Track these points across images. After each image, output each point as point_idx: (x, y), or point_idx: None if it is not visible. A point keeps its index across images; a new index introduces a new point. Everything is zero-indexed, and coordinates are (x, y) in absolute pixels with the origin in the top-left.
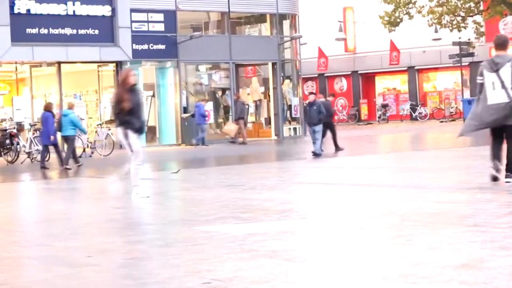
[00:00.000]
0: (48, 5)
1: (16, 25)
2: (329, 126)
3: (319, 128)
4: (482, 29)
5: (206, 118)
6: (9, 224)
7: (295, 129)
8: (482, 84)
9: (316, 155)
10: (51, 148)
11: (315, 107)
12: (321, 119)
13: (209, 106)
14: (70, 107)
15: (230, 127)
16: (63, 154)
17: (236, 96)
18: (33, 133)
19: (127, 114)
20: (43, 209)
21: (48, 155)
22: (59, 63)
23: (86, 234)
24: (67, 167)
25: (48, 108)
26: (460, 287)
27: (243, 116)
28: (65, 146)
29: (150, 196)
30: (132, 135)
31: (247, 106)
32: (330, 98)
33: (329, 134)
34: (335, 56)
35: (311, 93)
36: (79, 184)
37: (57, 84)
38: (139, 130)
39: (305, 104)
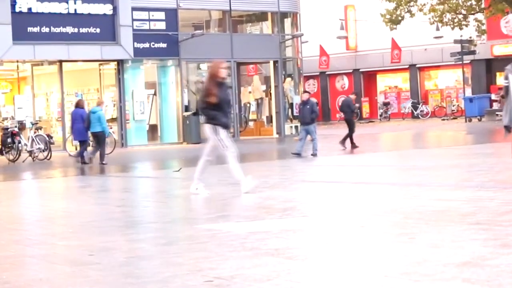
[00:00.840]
0: (50, 3)
1: (18, 24)
2: (349, 123)
3: (313, 127)
4: (484, 27)
5: None
6: (11, 223)
7: (296, 127)
8: (507, 87)
9: (313, 155)
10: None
11: (308, 106)
12: (313, 119)
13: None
14: (99, 104)
15: None
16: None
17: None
18: (35, 132)
19: (213, 109)
20: (44, 207)
21: (49, 154)
22: (60, 61)
23: (87, 233)
24: (104, 162)
25: (79, 105)
26: (463, 285)
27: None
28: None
29: (151, 195)
30: (221, 130)
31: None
32: (352, 96)
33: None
34: (337, 54)
35: (305, 91)
36: (81, 182)
37: (59, 83)
38: (225, 126)
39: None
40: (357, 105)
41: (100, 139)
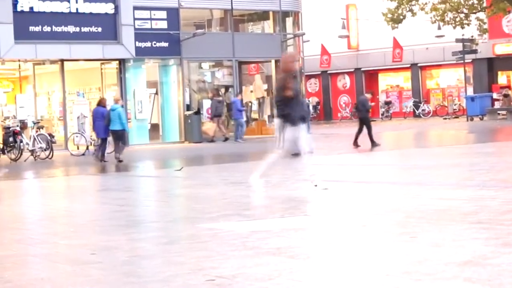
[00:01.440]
0: (51, 3)
1: (19, 23)
2: (365, 121)
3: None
4: (485, 26)
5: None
6: (13, 222)
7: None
8: None
9: (296, 154)
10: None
11: None
12: (304, 118)
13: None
14: (117, 101)
15: (207, 126)
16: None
17: (211, 94)
18: (36, 131)
19: (287, 104)
20: (46, 206)
21: (51, 153)
22: (62, 60)
23: (89, 232)
24: (120, 159)
25: (101, 103)
26: (464, 284)
27: (218, 114)
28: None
29: (152, 194)
30: (289, 130)
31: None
32: (368, 95)
33: (364, 130)
34: (338, 53)
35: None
36: (83, 181)
37: (60, 82)
38: (302, 119)
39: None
40: (372, 103)
41: (119, 136)
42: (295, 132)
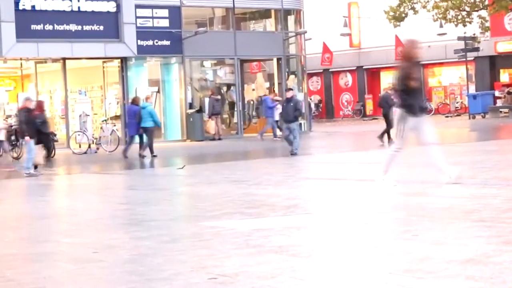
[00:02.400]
0: (53, 1)
1: (21, 22)
2: (386, 118)
3: (295, 125)
4: (487, 24)
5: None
6: (15, 221)
7: (300, 124)
8: None
9: (293, 154)
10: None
11: (291, 104)
12: (297, 116)
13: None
14: (147, 98)
15: (210, 125)
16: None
17: (211, 92)
18: None
19: (410, 94)
20: (49, 205)
21: (53, 151)
22: (64, 59)
23: (91, 230)
24: (143, 154)
25: (135, 101)
26: (466, 282)
27: (216, 112)
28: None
29: (155, 192)
30: (410, 120)
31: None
32: (390, 92)
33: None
34: (340, 51)
35: (289, 89)
36: (85, 180)
37: (62, 80)
38: (422, 110)
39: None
40: (395, 100)
41: (150, 133)
42: (418, 123)
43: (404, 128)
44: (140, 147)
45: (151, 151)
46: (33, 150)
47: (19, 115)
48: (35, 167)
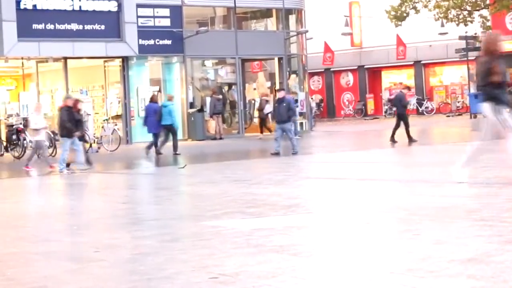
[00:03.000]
0: (54, 0)
1: (23, 21)
2: (402, 117)
3: (289, 125)
4: (489, 23)
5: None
6: (17, 220)
7: (301, 123)
8: None
9: (294, 153)
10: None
11: (284, 104)
12: (290, 117)
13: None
14: (170, 98)
15: (212, 125)
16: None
17: (212, 91)
18: None
19: (495, 87)
20: (50, 204)
21: (54, 150)
22: (65, 58)
23: (92, 229)
24: (177, 153)
25: (153, 99)
26: (467, 282)
27: (218, 111)
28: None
29: (156, 192)
30: (504, 110)
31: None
32: (404, 91)
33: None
34: (341, 50)
35: (280, 89)
36: (86, 179)
37: (64, 80)
38: (508, 104)
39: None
40: (409, 99)
41: (170, 131)
42: (500, 115)
43: (504, 118)
44: (161, 144)
45: (175, 149)
46: (67, 150)
47: (61, 114)
48: (68, 165)
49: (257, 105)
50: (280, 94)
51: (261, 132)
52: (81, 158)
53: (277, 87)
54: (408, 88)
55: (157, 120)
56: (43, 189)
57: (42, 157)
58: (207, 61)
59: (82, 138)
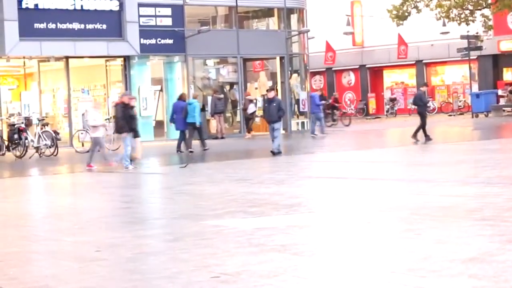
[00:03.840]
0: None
1: (24, 20)
2: (421, 115)
3: (278, 125)
4: (490, 23)
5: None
6: (18, 219)
7: (302, 123)
8: None
9: (275, 153)
10: None
11: (274, 104)
12: (281, 117)
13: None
14: (195, 96)
15: (213, 125)
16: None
17: (213, 91)
18: (41, 128)
19: None
20: (51, 204)
21: (56, 150)
22: (67, 57)
23: (94, 229)
24: (206, 148)
25: (182, 97)
26: (469, 281)
27: (219, 111)
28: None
29: (157, 191)
30: None
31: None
32: (423, 88)
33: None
34: (343, 50)
35: (270, 89)
36: (87, 178)
37: (65, 79)
38: None
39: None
40: (429, 97)
41: (196, 128)
42: None
43: None
44: (185, 142)
45: (203, 144)
46: (129, 145)
47: (116, 110)
48: (131, 160)
49: (259, 104)
50: (270, 94)
51: (249, 132)
52: (127, 157)
53: (279, 86)
54: (427, 85)
55: (184, 118)
56: (44, 188)
57: (101, 154)
58: (208, 61)
59: (135, 134)
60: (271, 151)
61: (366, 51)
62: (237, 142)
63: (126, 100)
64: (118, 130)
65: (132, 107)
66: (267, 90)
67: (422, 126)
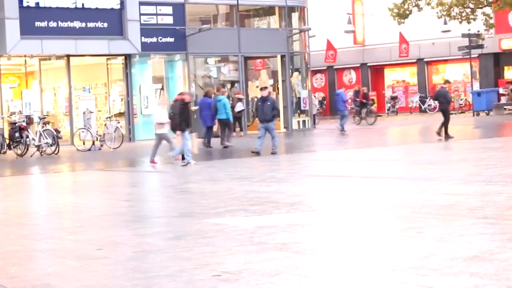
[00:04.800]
0: None
1: (25, 19)
2: (444, 113)
3: (273, 125)
4: (492, 21)
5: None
6: (20, 218)
7: (304, 121)
8: None
9: (256, 153)
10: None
11: (268, 103)
12: (274, 116)
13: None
14: (223, 93)
15: None
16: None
17: (216, 89)
18: (42, 126)
19: None
20: (52, 202)
21: (57, 148)
22: (68, 56)
23: (95, 227)
24: (226, 145)
25: (208, 94)
26: (471, 279)
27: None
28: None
29: (158, 189)
30: None
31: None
32: (445, 86)
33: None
34: (344, 48)
35: (264, 87)
36: (89, 177)
37: (66, 77)
38: None
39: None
40: (452, 94)
41: (225, 124)
42: None
43: None
44: (222, 137)
45: (228, 140)
46: (189, 140)
47: (174, 108)
48: (183, 156)
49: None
50: (264, 93)
51: (234, 130)
52: (178, 150)
53: (280, 84)
54: (448, 82)
55: (212, 114)
56: (46, 186)
57: (170, 148)
58: (209, 59)
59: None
60: (252, 151)
61: (367, 50)
62: (239, 140)
63: (187, 98)
64: (177, 126)
65: (188, 103)
66: (260, 89)
67: (445, 123)
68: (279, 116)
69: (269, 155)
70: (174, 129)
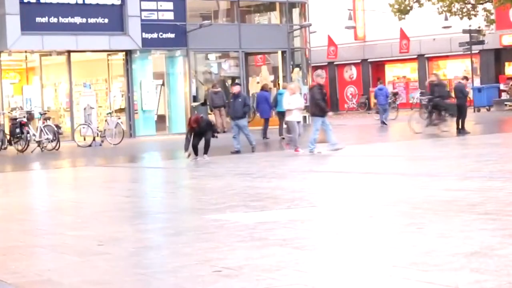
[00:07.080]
0: None
1: (26, 14)
2: (461, 108)
3: (244, 122)
4: (492, 17)
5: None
6: (21, 213)
7: (304, 117)
8: None
9: (237, 151)
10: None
11: (240, 100)
12: (246, 112)
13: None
14: (284, 87)
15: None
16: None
17: (211, 85)
18: (43, 122)
19: None
20: (53, 198)
21: (58, 144)
22: (69, 52)
23: (96, 223)
24: (284, 137)
25: (264, 88)
26: (471, 275)
27: (216, 105)
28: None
29: (159, 185)
30: None
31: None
32: (463, 81)
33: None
34: (345, 44)
35: (236, 84)
36: (89, 172)
37: (67, 73)
38: None
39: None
40: (468, 90)
41: (282, 117)
42: None
43: None
44: (281, 130)
45: (280, 133)
46: (318, 129)
47: (314, 92)
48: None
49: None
50: (235, 89)
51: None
52: (332, 137)
53: (280, 81)
54: (466, 78)
55: (271, 107)
56: (46, 182)
57: (292, 138)
58: (210, 55)
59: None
60: (232, 152)
61: (368, 45)
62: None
63: (321, 81)
64: (319, 112)
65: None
66: (231, 85)
67: (462, 118)
68: (255, 114)
69: (269, 150)
70: (316, 114)
